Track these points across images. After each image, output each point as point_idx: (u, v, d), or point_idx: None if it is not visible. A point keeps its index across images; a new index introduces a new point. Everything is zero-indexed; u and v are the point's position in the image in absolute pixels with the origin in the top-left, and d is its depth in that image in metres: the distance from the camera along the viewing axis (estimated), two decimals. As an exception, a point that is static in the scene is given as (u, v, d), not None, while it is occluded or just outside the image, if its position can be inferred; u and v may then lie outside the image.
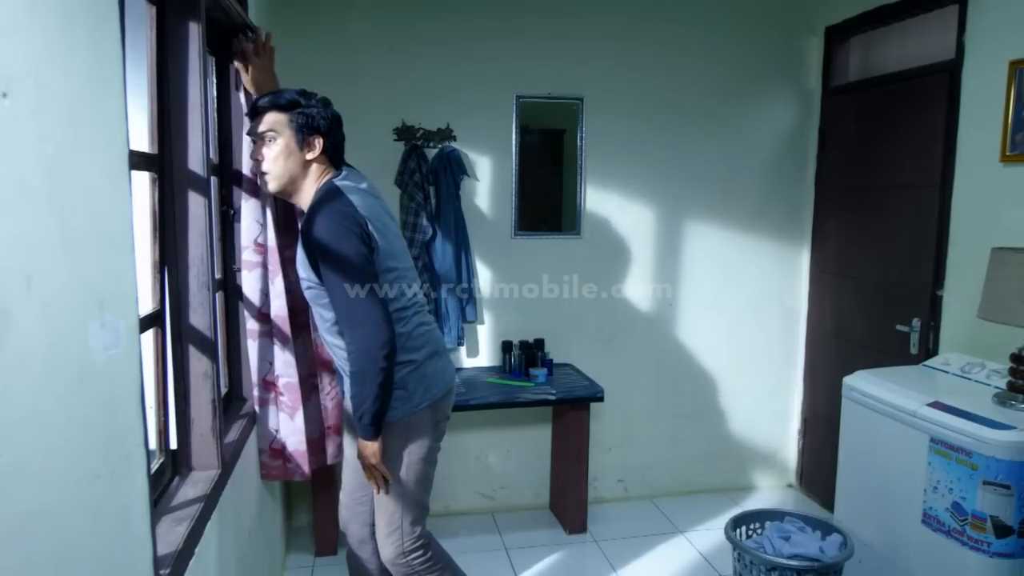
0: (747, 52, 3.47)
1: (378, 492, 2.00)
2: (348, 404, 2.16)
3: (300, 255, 1.92)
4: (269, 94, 1.94)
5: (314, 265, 1.87)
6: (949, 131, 2.74)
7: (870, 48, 3.33)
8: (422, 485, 2.04)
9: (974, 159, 2.64)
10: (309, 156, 1.93)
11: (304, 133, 1.91)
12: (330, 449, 2.48)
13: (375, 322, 1.82)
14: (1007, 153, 2.47)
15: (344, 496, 2.23)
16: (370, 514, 2.16)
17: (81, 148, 0.98)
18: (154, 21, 1.65)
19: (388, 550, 2.04)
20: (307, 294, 1.98)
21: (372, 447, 1.92)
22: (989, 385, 2.31)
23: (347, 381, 2.06)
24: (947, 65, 2.76)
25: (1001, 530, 1.99)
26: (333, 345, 2.01)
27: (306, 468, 2.32)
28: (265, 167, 1.94)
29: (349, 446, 2.20)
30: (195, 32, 1.70)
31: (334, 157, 1.99)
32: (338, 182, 1.94)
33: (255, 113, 1.94)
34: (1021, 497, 1.97)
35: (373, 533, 2.17)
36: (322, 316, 1.97)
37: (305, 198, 1.97)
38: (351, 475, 2.20)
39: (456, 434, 3.18)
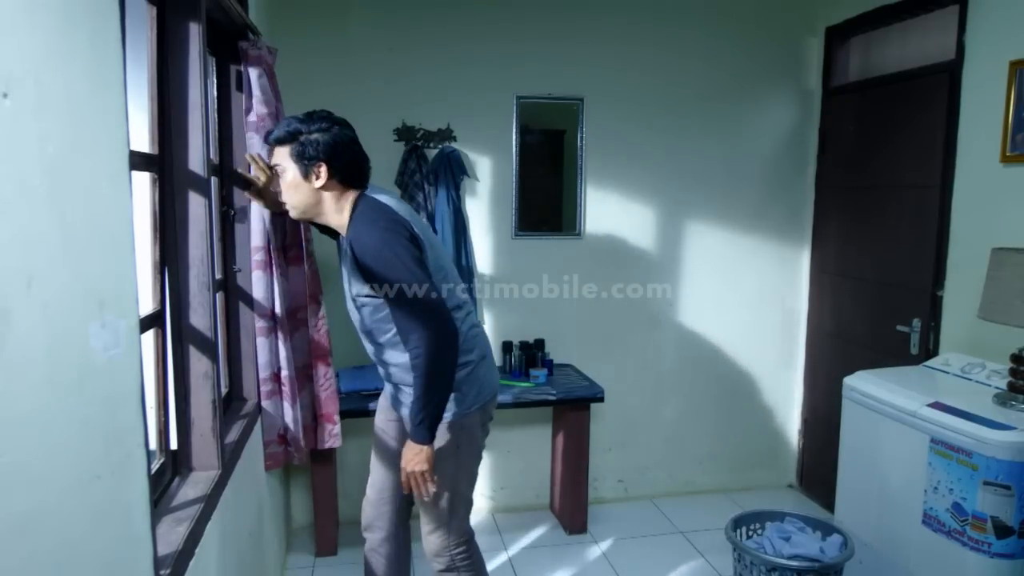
0: (747, 53, 3.47)
1: (421, 498, 1.95)
2: (388, 405, 2.16)
3: (352, 272, 1.89)
4: (275, 127, 1.92)
5: (368, 279, 1.83)
6: (949, 131, 2.74)
7: (870, 48, 3.32)
8: (468, 482, 2.07)
9: (974, 159, 2.64)
10: (317, 184, 1.86)
11: (305, 163, 1.86)
12: (321, 435, 2.65)
13: (438, 320, 1.78)
14: (1007, 153, 2.47)
15: (372, 493, 2.20)
16: (396, 512, 2.18)
17: (81, 148, 0.98)
18: (154, 21, 1.65)
19: (433, 544, 2.05)
20: (363, 311, 1.93)
21: (426, 452, 1.84)
22: (989, 385, 2.30)
23: (405, 392, 2.00)
24: (947, 65, 2.76)
25: (1001, 531, 1.99)
26: (392, 364, 1.97)
27: (302, 450, 2.54)
28: (284, 198, 1.95)
29: (379, 448, 2.18)
30: (195, 32, 1.70)
31: (350, 179, 1.90)
32: (370, 194, 1.92)
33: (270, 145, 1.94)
34: (1021, 498, 1.97)
35: (397, 532, 2.19)
36: (383, 331, 1.92)
37: (332, 220, 1.93)
38: (381, 474, 2.18)
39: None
